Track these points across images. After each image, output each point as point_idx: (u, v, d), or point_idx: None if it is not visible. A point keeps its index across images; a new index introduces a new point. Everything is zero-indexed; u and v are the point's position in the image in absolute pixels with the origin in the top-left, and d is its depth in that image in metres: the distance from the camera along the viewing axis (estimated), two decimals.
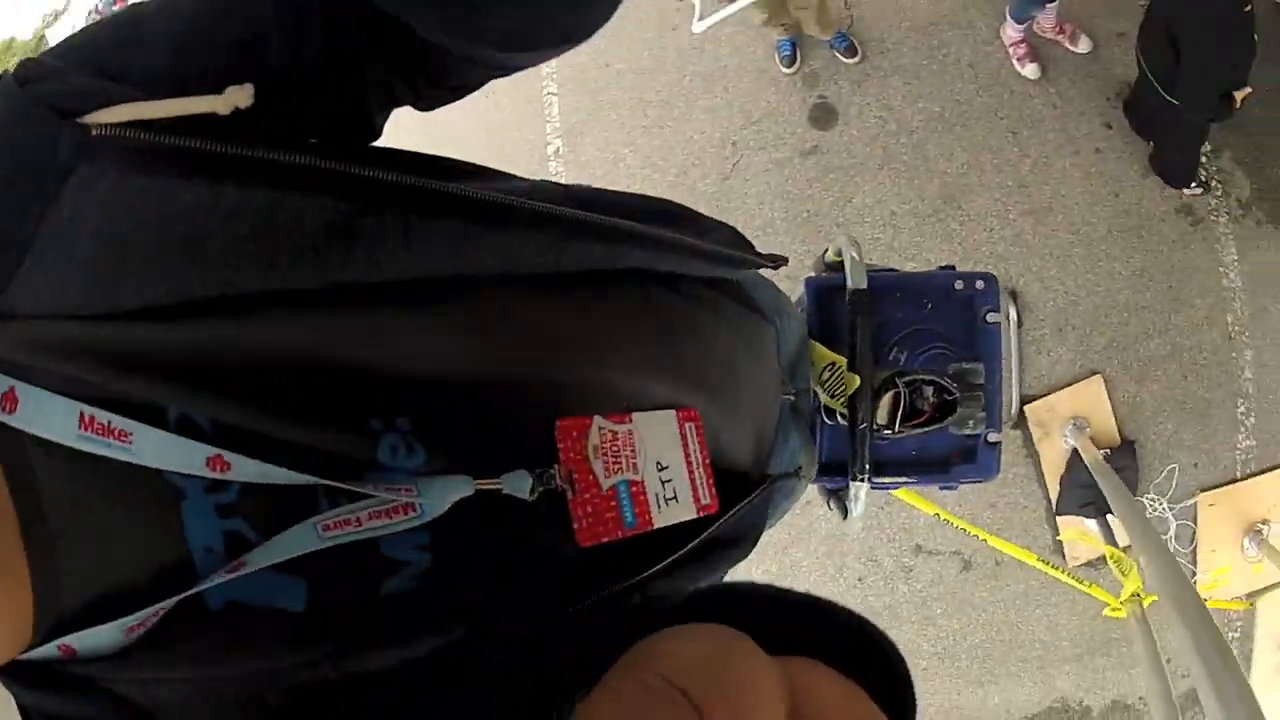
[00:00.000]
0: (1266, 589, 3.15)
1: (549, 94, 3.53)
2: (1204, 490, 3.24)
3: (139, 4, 0.44)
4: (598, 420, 0.51)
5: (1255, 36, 2.52)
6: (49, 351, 0.38)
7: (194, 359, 0.39)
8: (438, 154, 0.51)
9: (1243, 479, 3.23)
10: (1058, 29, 3.36)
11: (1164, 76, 2.71)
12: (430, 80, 0.52)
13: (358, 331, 0.43)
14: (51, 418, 0.37)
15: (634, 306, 0.58)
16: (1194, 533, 3.20)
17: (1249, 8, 2.39)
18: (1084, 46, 3.39)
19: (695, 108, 3.37)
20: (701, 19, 2.52)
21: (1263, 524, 3.16)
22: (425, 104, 0.55)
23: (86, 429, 0.37)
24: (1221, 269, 3.33)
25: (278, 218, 0.39)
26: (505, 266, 0.48)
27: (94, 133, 0.37)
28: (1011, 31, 3.30)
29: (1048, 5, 3.25)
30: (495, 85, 0.58)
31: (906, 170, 3.21)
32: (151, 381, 0.39)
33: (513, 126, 3.56)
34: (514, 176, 0.56)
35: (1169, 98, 2.71)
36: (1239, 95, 2.62)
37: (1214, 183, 3.33)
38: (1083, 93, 3.37)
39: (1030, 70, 3.31)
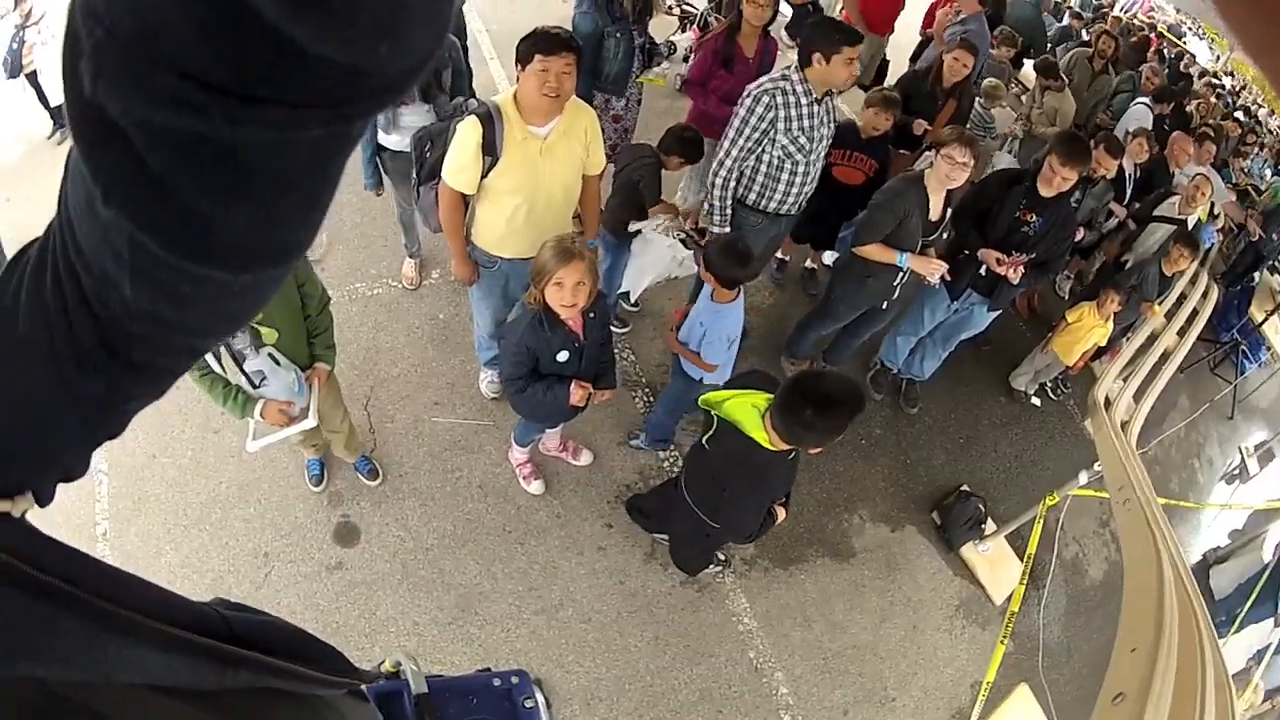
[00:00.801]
0: None
1: (100, 472, 3.61)
2: None
3: None
4: None
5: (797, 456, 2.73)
6: None
7: None
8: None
9: None
10: (561, 447, 3.58)
11: (710, 510, 2.91)
12: (131, 379, 0.53)
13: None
14: None
15: (285, 708, 0.73)
16: None
17: (793, 456, 2.61)
18: (585, 459, 3.66)
19: (231, 515, 3.51)
20: (256, 439, 2.73)
21: None
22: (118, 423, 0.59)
23: None
24: (734, 618, 3.68)
25: (40, 624, 0.48)
26: (184, 683, 0.59)
27: None
28: (517, 454, 3.52)
29: (548, 430, 3.45)
30: None
31: (425, 583, 3.44)
32: None
33: (63, 501, 3.63)
34: (191, 604, 0.67)
35: (713, 523, 2.92)
36: (779, 509, 2.85)
37: (719, 553, 3.65)
38: (584, 500, 3.66)
39: (535, 487, 3.57)
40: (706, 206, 3.60)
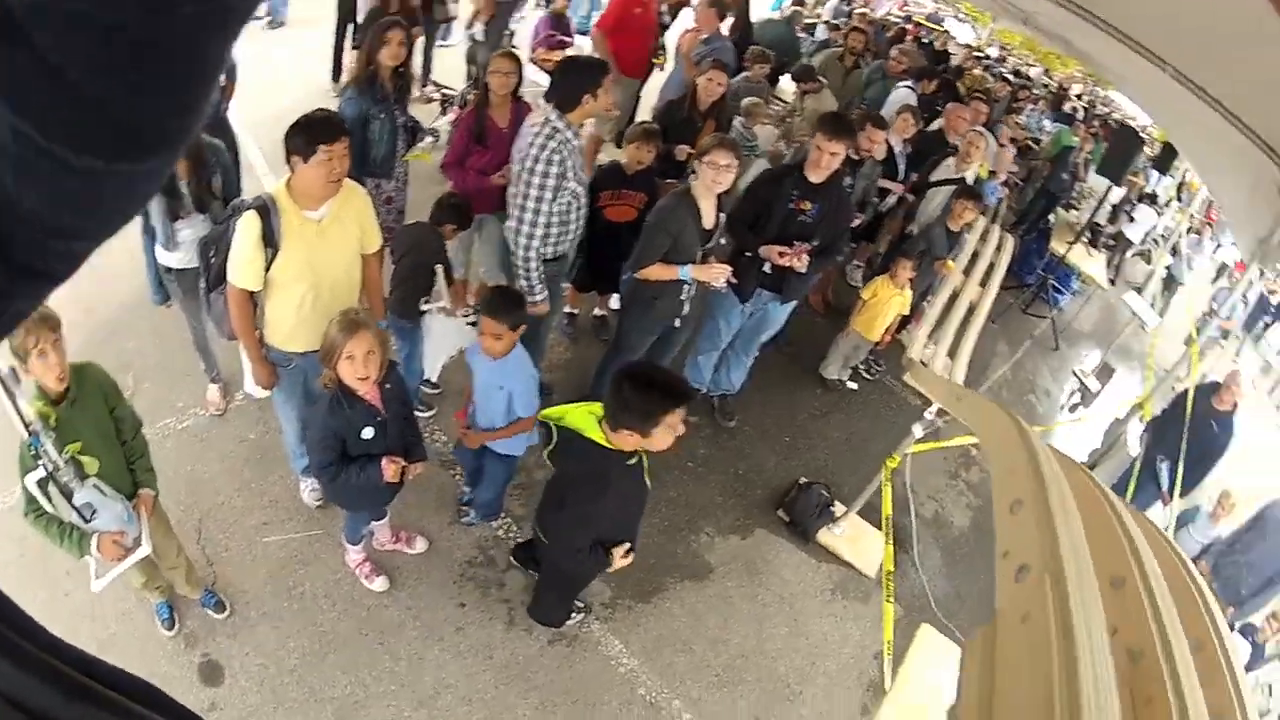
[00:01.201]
0: None
1: None
2: None
3: None
4: None
5: (649, 483, 2.85)
6: None
7: None
8: None
9: None
10: (394, 539, 3.61)
11: (549, 526, 3.02)
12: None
13: None
14: None
15: None
16: None
17: (635, 461, 2.69)
18: (420, 546, 3.70)
19: None
20: (99, 578, 2.64)
21: None
22: None
23: None
24: (613, 661, 3.72)
25: None
26: (32, 704, 0.56)
27: None
28: (353, 554, 3.52)
29: (375, 523, 3.47)
30: None
31: (299, 705, 3.34)
32: None
33: None
34: (58, 639, 0.64)
35: (546, 541, 3.00)
36: (618, 553, 2.91)
37: (578, 600, 3.72)
38: (431, 585, 3.67)
39: (379, 584, 3.55)
40: (524, 284, 3.62)
